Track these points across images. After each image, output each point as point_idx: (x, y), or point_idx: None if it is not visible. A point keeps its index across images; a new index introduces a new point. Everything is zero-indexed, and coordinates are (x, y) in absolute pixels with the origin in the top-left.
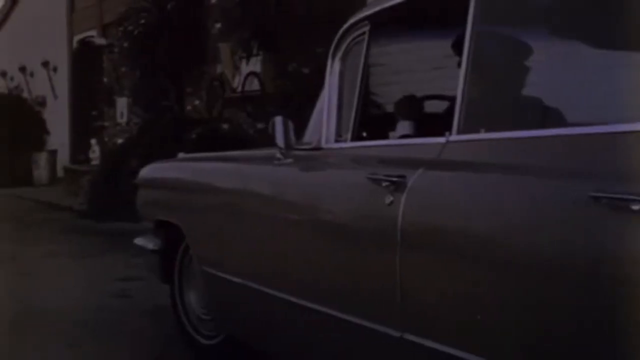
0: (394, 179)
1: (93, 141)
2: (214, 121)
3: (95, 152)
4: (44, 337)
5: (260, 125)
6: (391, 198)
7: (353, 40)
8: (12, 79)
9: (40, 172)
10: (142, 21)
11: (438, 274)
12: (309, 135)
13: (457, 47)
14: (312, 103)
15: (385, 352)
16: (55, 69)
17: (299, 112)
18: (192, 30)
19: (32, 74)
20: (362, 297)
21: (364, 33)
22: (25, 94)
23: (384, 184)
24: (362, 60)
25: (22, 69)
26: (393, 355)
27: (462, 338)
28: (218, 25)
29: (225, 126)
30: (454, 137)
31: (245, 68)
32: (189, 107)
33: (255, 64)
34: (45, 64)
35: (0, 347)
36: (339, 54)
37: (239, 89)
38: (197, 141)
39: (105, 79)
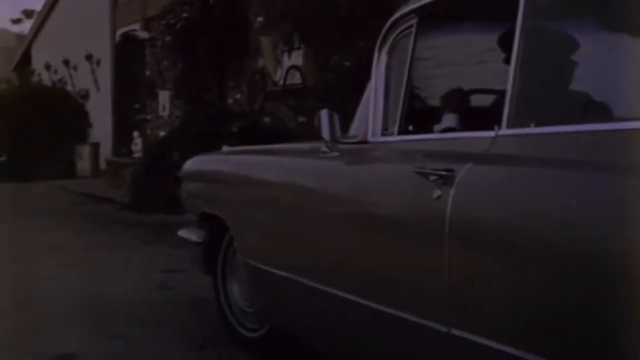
0: (442, 173)
1: (135, 134)
2: (255, 115)
3: (137, 145)
4: (88, 328)
5: (301, 119)
6: (439, 192)
7: (400, 33)
8: (56, 72)
9: (83, 164)
10: (185, 15)
11: (486, 269)
12: (354, 129)
13: (504, 43)
14: (353, 97)
15: (432, 347)
16: (98, 62)
17: (341, 106)
18: (233, 23)
19: (75, 67)
20: (409, 291)
21: (411, 26)
22: (68, 87)
23: (432, 177)
24: (409, 53)
25: (66, 62)
26: (440, 350)
27: (510, 334)
28: (260, 19)
29: (266, 119)
30: (503, 131)
31: (286, 61)
32: (230, 101)
33: (296, 58)
34: (88, 57)
35: (46, 337)
36: (386, 47)
37: (281, 82)
38: (238, 134)
39: (147, 72)
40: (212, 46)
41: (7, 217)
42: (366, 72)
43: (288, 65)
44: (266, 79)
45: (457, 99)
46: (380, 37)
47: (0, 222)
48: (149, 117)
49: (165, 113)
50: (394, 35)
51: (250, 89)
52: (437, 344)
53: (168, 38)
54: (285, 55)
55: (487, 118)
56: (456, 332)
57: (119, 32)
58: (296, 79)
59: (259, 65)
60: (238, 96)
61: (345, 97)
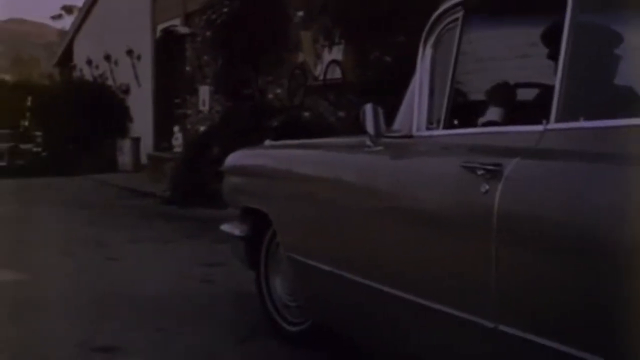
0: (490, 167)
1: (176, 129)
2: (295, 109)
3: (177, 140)
4: (131, 321)
5: (341, 114)
6: (487, 187)
7: (445, 26)
8: (97, 67)
9: (124, 158)
10: (225, 10)
11: (535, 265)
12: (398, 123)
13: (547, 38)
14: (393, 92)
15: (479, 343)
16: (139, 58)
17: (381, 101)
18: (274, 18)
19: (116, 63)
20: (456, 287)
21: (457, 19)
22: (110, 82)
23: (479, 172)
24: (455, 46)
25: (107, 58)
26: (487, 346)
27: (559, 330)
28: (300, 13)
29: (306, 114)
30: (552, 125)
31: (327, 56)
32: (270, 96)
33: (337, 52)
34: (129, 53)
35: (89, 329)
36: (431, 41)
37: (321, 77)
38: (278, 129)
39: (187, 68)
40: (252, 41)
41: (50, 211)
42: (406, 67)
43: (328, 60)
44: (306, 73)
45: (501, 93)
46: (426, 31)
47: (43, 216)
48: (189, 111)
49: (205, 108)
50: (439, 29)
51: (290, 84)
52: (484, 340)
53: (208, 33)
54: (326, 50)
55: (532, 112)
56: (503, 328)
57: (160, 27)
58: (336, 73)
59: (299, 60)
60: (278, 91)
61: (385, 92)
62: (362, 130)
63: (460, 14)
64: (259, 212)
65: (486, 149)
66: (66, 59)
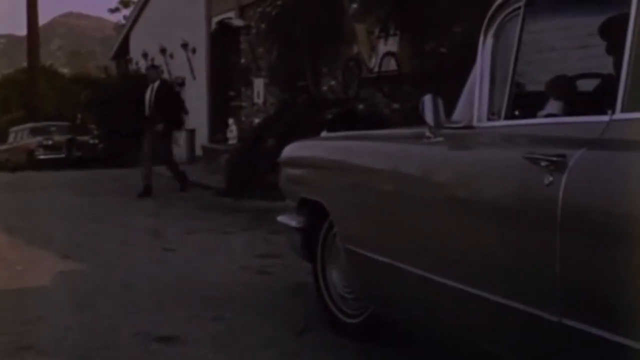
0: (554, 159)
1: (230, 121)
2: (349, 101)
3: (232, 132)
4: (189, 311)
5: (395, 106)
6: (551, 178)
7: (507, 15)
8: (152, 60)
9: (180, 150)
10: (279, 2)
11: (600, 258)
12: (458, 114)
13: (606, 30)
14: (450, 83)
15: (542, 337)
16: (194, 50)
17: (437, 92)
18: (328, 10)
19: (171, 56)
20: (519, 280)
21: (518, 8)
22: (165, 75)
23: (543, 163)
24: (517, 36)
25: (163, 51)
26: (550, 340)
27: (624, 325)
28: (354, 5)
29: (360, 106)
30: (618, 115)
31: (382, 48)
32: (324, 88)
33: (392, 44)
34: (184, 46)
35: (148, 318)
36: (492, 30)
37: (375, 69)
38: (333, 121)
39: (242, 60)
40: (306, 33)
41: (108, 201)
42: (462, 58)
43: (383, 52)
44: (361, 65)
45: (561, 86)
46: (487, 20)
47: (101, 207)
48: (243, 104)
49: (259, 100)
50: (500, 18)
51: (344, 76)
52: (548, 334)
53: (263, 25)
54: (381, 42)
55: (594, 103)
56: (567, 321)
57: (215, 20)
58: (391, 65)
59: (353, 52)
60: (332, 83)
61: (441, 83)
62: (418, 122)
63: (522, 3)
64: (316, 204)
65: (549, 140)
66: (122, 52)
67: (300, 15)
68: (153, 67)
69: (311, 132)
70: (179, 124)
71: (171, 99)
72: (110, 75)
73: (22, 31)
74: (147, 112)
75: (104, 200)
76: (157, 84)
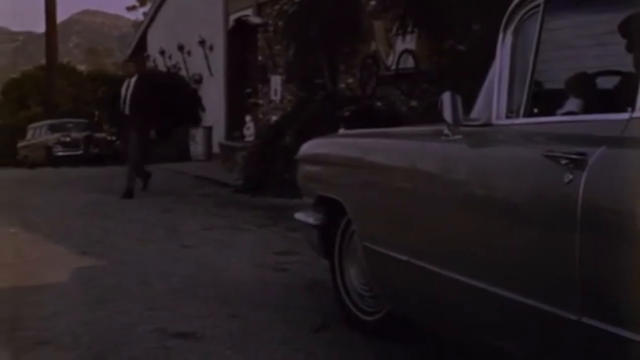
0: (574, 157)
1: (247, 118)
2: (367, 99)
3: (249, 129)
4: (206, 307)
5: (413, 103)
6: (571, 176)
7: (526, 12)
8: (170, 57)
9: (197, 147)
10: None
11: (621, 257)
12: (477, 111)
13: (625, 28)
14: (467, 80)
15: (562, 336)
16: (211, 48)
17: (455, 90)
18: (346, 7)
19: (189, 53)
20: (538, 278)
21: (538, 5)
22: (182, 72)
23: (563, 161)
24: (536, 33)
25: (180, 48)
26: (570, 338)
27: None
28: (372, 3)
29: (378, 104)
30: (638, 113)
31: (399, 45)
32: (342, 85)
33: (409, 42)
34: (202, 43)
35: (165, 315)
36: (511, 27)
37: (393, 66)
38: (350, 119)
39: (259, 57)
40: (324, 31)
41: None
42: (480, 56)
43: (401, 50)
44: (378, 63)
45: (580, 84)
46: (506, 17)
47: (119, 203)
48: (260, 101)
49: (277, 97)
50: (520, 15)
51: (362, 73)
52: (567, 332)
53: (280, 23)
54: (398, 39)
55: (614, 100)
56: (587, 320)
57: (232, 17)
58: (409, 63)
59: (371, 49)
60: (350, 80)
61: (459, 81)
62: (435, 119)
63: (541, 0)
64: (333, 201)
65: (569, 137)
66: (140, 50)
67: (317, 13)
68: (130, 60)
69: (328, 130)
70: (195, 121)
71: (150, 95)
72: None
73: (41, 28)
74: (122, 108)
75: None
76: (134, 78)
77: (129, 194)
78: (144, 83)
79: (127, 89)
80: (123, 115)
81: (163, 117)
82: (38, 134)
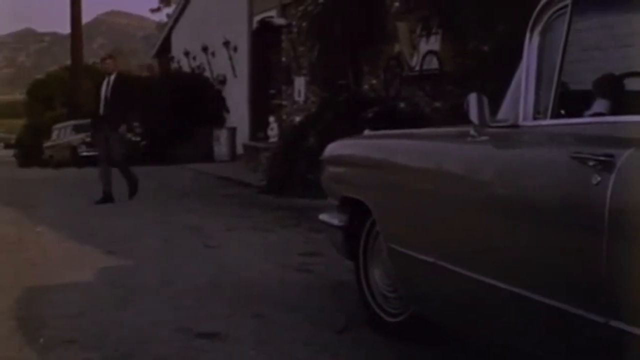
0: (602, 158)
1: (271, 119)
2: (390, 100)
3: (273, 130)
4: (231, 307)
5: (437, 104)
6: (598, 178)
7: (554, 13)
8: (194, 58)
9: (221, 148)
10: (321, 0)
11: None
12: (503, 112)
13: None
14: (491, 82)
15: (589, 339)
16: (235, 49)
17: (479, 91)
18: (370, 9)
19: (213, 54)
20: (564, 281)
21: (566, 6)
22: (206, 73)
23: (591, 163)
24: (564, 34)
25: (205, 49)
26: (597, 342)
27: None
28: (396, 4)
29: (402, 105)
30: None
31: (423, 47)
32: (366, 86)
33: (433, 43)
34: (226, 44)
35: (190, 314)
36: (539, 28)
37: (417, 67)
38: (374, 120)
39: (283, 58)
40: (348, 32)
41: (151, 198)
42: (505, 57)
43: (425, 51)
44: (402, 64)
45: (608, 85)
46: (533, 17)
47: (144, 203)
48: (284, 102)
49: (300, 98)
50: (547, 15)
51: (386, 75)
52: (594, 335)
53: (304, 24)
54: (422, 40)
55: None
56: (614, 323)
57: (256, 18)
58: (433, 64)
59: (395, 50)
60: (373, 81)
61: (483, 82)
62: (460, 120)
63: (569, 1)
64: (358, 202)
65: (597, 139)
66: (164, 51)
67: (341, 14)
68: (109, 57)
69: (351, 131)
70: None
71: (130, 93)
72: (153, 74)
73: (66, 29)
74: (101, 108)
75: (146, 197)
76: (113, 76)
77: (107, 198)
78: (123, 82)
79: (106, 87)
80: (98, 116)
81: (182, 117)
82: (63, 134)
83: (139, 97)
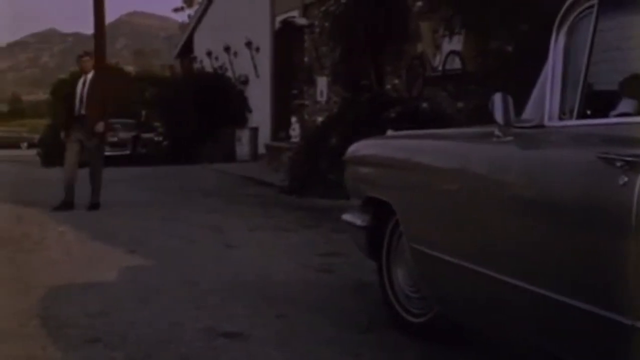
0: (629, 159)
1: (293, 119)
2: (413, 100)
3: (295, 130)
4: (253, 307)
5: (460, 104)
6: (625, 179)
7: (580, 13)
8: (217, 58)
9: (243, 148)
10: (343, 1)
11: None
12: (529, 113)
13: None
14: (515, 82)
15: (615, 340)
16: (257, 49)
17: (503, 91)
18: (392, 8)
19: (235, 54)
20: (590, 282)
21: (592, 6)
22: (229, 73)
23: (618, 163)
24: (590, 34)
25: (227, 49)
26: (623, 343)
27: None
28: (419, 3)
29: (424, 105)
30: None
31: (446, 46)
32: (388, 86)
33: (456, 43)
34: (248, 44)
35: (213, 314)
36: (565, 28)
37: (440, 67)
38: (397, 120)
39: (305, 58)
40: (370, 32)
41: (172, 198)
42: (528, 57)
43: (447, 51)
44: (425, 64)
45: (637, 83)
46: (559, 17)
47: (166, 203)
48: (306, 102)
49: (323, 99)
50: (573, 15)
51: (408, 75)
52: (620, 337)
53: (327, 24)
54: (445, 40)
55: None
56: None
57: (278, 18)
58: (456, 64)
59: (417, 50)
60: (396, 81)
61: (506, 82)
62: (483, 121)
63: (595, 1)
64: (381, 202)
65: (624, 139)
66: (186, 51)
67: (364, 14)
68: (86, 53)
69: (374, 131)
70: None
71: (107, 92)
72: (175, 74)
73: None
74: (77, 108)
75: (168, 197)
76: (90, 75)
77: (67, 204)
78: (100, 80)
79: (82, 87)
80: (75, 117)
81: (205, 117)
82: None
83: (118, 95)
